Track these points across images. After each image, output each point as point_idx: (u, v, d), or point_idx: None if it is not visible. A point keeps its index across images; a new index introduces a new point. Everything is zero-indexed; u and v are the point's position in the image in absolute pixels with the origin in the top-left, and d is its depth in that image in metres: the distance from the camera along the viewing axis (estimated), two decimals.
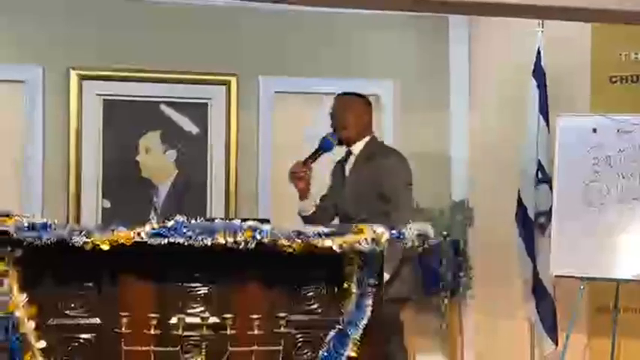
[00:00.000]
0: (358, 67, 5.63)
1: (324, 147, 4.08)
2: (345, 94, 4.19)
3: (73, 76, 5.26)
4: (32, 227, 2.75)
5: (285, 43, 5.53)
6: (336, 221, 4.07)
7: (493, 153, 5.46)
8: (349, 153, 4.10)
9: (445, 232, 5.26)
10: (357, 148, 4.07)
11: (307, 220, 4.04)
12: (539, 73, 5.06)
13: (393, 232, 2.94)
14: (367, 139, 4.08)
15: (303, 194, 4.07)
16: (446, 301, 5.29)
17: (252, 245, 2.82)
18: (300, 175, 4.03)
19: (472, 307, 5.54)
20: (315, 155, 4.07)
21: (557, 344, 4.94)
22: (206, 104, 5.47)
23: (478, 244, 5.45)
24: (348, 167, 4.10)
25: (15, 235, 2.73)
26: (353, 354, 2.97)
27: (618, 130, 4.65)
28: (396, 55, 5.68)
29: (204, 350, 2.92)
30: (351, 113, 4.07)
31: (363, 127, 4.08)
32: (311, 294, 3.02)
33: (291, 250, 2.86)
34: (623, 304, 4.75)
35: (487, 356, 5.49)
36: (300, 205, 4.10)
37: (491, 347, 5.43)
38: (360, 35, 5.63)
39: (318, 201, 4.12)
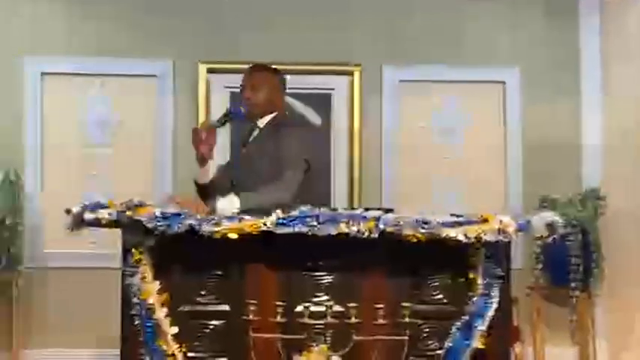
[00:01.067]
0: (483, 53, 5.53)
1: (234, 113, 3.82)
2: (260, 66, 3.95)
3: (202, 69, 5.41)
4: (164, 217, 2.84)
5: (410, 30, 5.49)
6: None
7: (628, 139, 5.25)
8: (254, 126, 3.87)
9: (575, 222, 5.10)
10: (263, 122, 3.83)
11: (201, 189, 3.80)
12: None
13: (521, 221, 2.87)
14: (274, 114, 3.85)
15: (204, 160, 3.76)
16: (577, 292, 5.12)
17: (375, 235, 2.82)
18: (202, 138, 3.70)
19: (604, 299, 5.36)
20: (223, 119, 3.79)
21: None
22: (329, 95, 5.50)
23: (610, 235, 5.26)
24: (250, 139, 3.87)
25: (148, 224, 2.83)
26: (479, 345, 2.93)
27: None
28: (522, 41, 5.55)
29: (328, 338, 2.94)
30: (265, 88, 3.84)
31: (272, 103, 3.85)
32: (436, 284, 3.00)
33: (415, 239, 2.84)
34: None
35: (621, 349, 5.30)
36: (199, 172, 3.80)
37: (625, 340, 5.24)
38: (485, 21, 5.53)
39: (214, 171, 3.87)
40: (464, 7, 5.47)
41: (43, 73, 5.37)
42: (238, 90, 3.92)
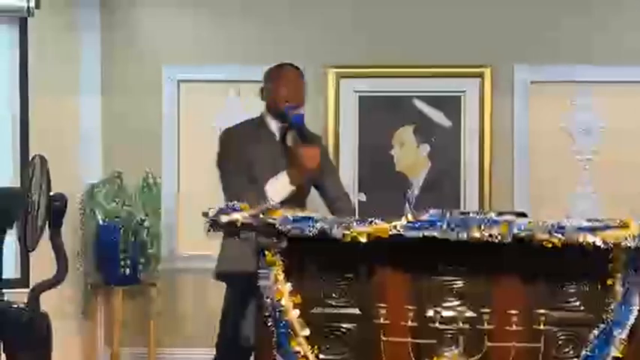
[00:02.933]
0: (623, 53, 5.33)
1: (294, 123, 3.67)
2: (292, 65, 3.80)
3: (331, 74, 5.46)
4: (295, 220, 2.88)
5: (542, 29, 5.37)
6: None
7: None
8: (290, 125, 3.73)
9: None
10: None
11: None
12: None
13: None
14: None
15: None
16: None
17: (508, 239, 2.77)
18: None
19: None
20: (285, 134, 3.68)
21: None
22: (459, 97, 5.45)
23: None
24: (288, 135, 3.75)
25: (280, 227, 2.88)
26: (618, 354, 2.82)
27: None
28: None
29: (461, 344, 2.91)
30: (302, 86, 3.74)
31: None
32: (572, 290, 2.91)
33: (550, 244, 2.77)
34: None
35: None
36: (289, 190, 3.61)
37: None
38: (620, 20, 5.34)
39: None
40: (596, 5, 5.31)
41: (179, 81, 5.56)
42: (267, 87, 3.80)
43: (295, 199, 3.53)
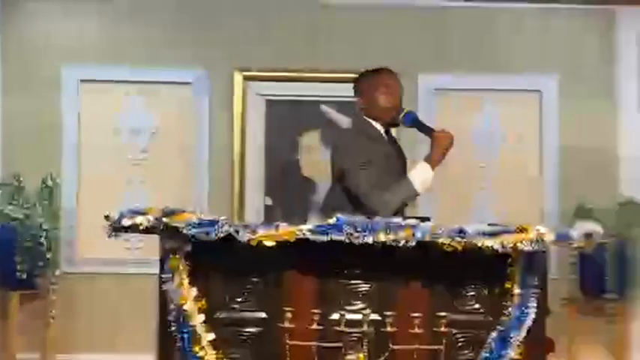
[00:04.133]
0: (519, 62, 5.50)
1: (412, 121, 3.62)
2: (386, 70, 3.73)
3: (237, 77, 5.44)
4: (200, 224, 2.85)
5: (445, 39, 5.49)
6: None
7: None
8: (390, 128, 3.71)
9: (613, 233, 5.06)
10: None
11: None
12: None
13: (560, 232, 2.85)
14: None
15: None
16: (613, 304, 5.08)
17: (412, 243, 2.81)
18: None
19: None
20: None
21: None
22: None
23: None
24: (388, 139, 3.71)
25: (185, 230, 2.85)
26: (515, 356, 2.91)
27: None
28: (559, 50, 5.52)
29: (365, 347, 2.94)
30: (401, 88, 3.69)
31: None
32: (472, 293, 2.98)
33: (451, 249, 2.82)
34: None
35: None
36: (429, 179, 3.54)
37: None
38: (523, 30, 5.52)
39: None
40: (502, 16, 5.46)
41: (81, 80, 5.44)
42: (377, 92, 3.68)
43: None
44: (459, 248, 2.81)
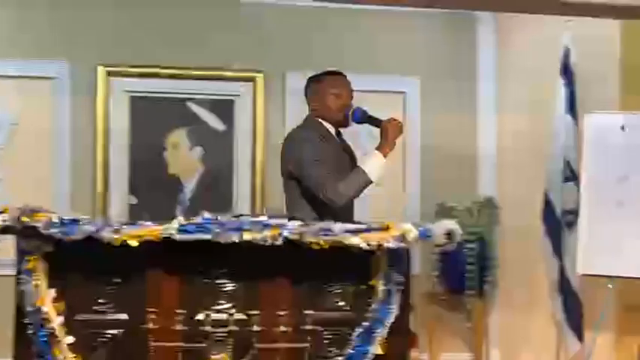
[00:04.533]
0: (385, 64, 5.62)
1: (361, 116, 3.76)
2: (331, 73, 3.87)
3: (101, 72, 5.30)
4: (61, 223, 2.77)
5: (313, 39, 5.53)
6: None
7: (521, 151, 5.42)
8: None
9: (472, 231, 5.24)
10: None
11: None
12: (567, 71, 5.01)
13: (421, 229, 2.92)
14: None
15: None
16: (472, 300, 5.26)
17: (279, 242, 2.82)
18: None
19: (498, 307, 5.51)
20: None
21: (582, 342, 4.90)
22: (232, 101, 5.49)
23: (505, 243, 5.43)
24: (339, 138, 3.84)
25: (44, 230, 2.75)
26: (379, 351, 2.96)
27: None
28: (422, 53, 5.68)
29: (230, 346, 2.92)
30: (350, 86, 3.81)
31: None
32: (338, 291, 3.02)
33: (317, 246, 2.85)
34: None
35: (513, 355, 5.46)
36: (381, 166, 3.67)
37: (517, 346, 5.40)
38: (387, 32, 5.62)
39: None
40: (367, 18, 5.54)
41: None
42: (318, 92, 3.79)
43: None
44: (325, 246, 2.85)
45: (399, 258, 2.99)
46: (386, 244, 2.88)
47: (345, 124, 3.78)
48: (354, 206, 3.74)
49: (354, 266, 2.98)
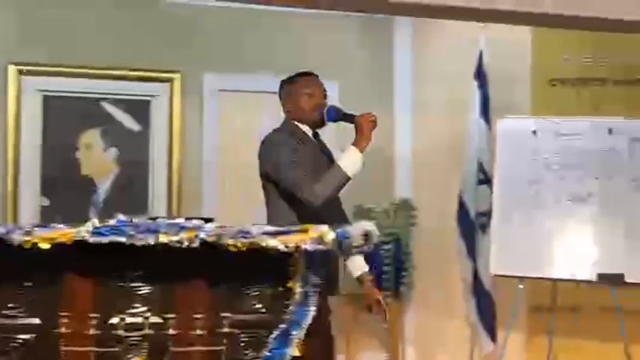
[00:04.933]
0: (303, 67, 5.61)
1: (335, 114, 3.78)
2: (303, 74, 3.91)
3: (12, 70, 5.16)
4: None
5: (232, 41, 5.50)
6: None
7: (437, 153, 5.51)
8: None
9: (389, 232, 5.30)
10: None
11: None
12: (481, 75, 5.13)
13: (339, 230, 2.94)
14: None
15: None
16: (388, 300, 5.31)
17: (195, 244, 2.79)
18: None
19: (414, 308, 5.59)
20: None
21: (495, 343, 5.01)
22: (148, 101, 5.41)
23: (421, 244, 5.50)
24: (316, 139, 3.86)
25: None
26: (297, 353, 2.96)
27: (557, 133, 4.73)
28: (340, 56, 5.70)
29: (145, 350, 2.88)
30: (322, 85, 3.86)
31: None
32: (256, 293, 3.00)
33: (235, 249, 2.83)
34: (559, 303, 4.84)
35: (428, 356, 5.54)
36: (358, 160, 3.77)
37: (433, 347, 5.49)
38: (306, 35, 5.63)
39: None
40: (285, 21, 5.54)
41: None
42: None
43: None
44: (243, 248, 2.83)
45: (317, 260, 2.99)
46: (304, 246, 2.88)
47: (322, 124, 3.78)
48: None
49: (271, 268, 2.97)
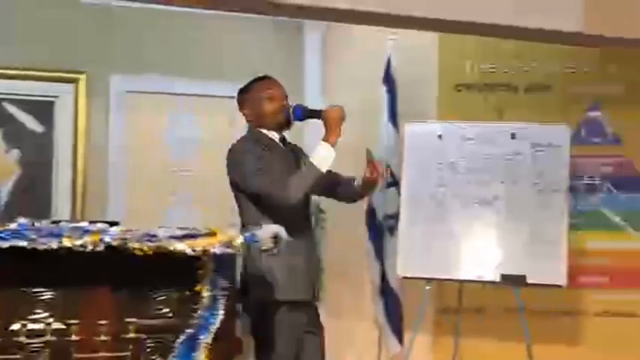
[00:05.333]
0: (214, 69, 5.58)
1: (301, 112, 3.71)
2: (259, 78, 3.83)
3: None
4: None
5: (140, 42, 5.42)
6: None
7: (346, 157, 5.53)
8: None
9: None
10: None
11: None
12: (389, 80, 5.19)
13: (247, 234, 2.93)
14: None
15: None
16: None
17: (100, 248, 2.73)
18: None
19: (323, 309, 5.60)
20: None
21: (402, 344, 5.07)
22: (52, 102, 5.28)
23: (331, 247, 5.53)
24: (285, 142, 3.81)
25: None
26: (204, 358, 2.94)
27: (463, 137, 4.83)
28: (251, 59, 5.68)
29: (47, 357, 2.80)
30: (281, 86, 3.80)
31: None
32: (163, 298, 2.97)
33: (141, 253, 2.79)
34: (465, 304, 4.94)
35: (336, 357, 5.56)
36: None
37: (342, 349, 5.51)
38: (217, 37, 5.60)
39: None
40: (196, 21, 5.49)
41: None
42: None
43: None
44: (149, 252, 2.79)
45: (225, 263, 2.98)
46: (212, 250, 2.86)
47: (288, 126, 3.71)
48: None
49: (179, 272, 2.94)
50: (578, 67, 5.31)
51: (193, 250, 2.84)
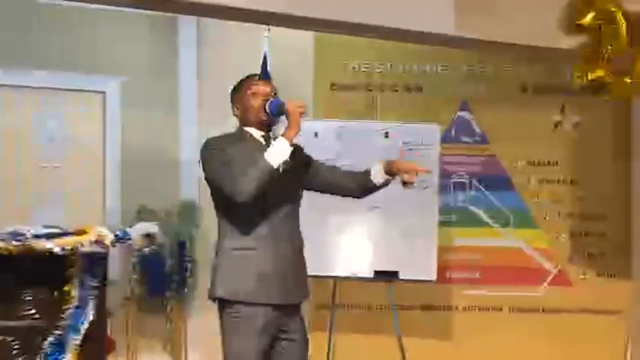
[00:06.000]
0: (84, 62, 5.44)
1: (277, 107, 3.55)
2: (248, 77, 3.72)
3: None
4: None
5: (8, 36, 5.20)
6: None
7: None
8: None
9: (173, 233, 5.25)
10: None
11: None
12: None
13: (118, 232, 2.88)
14: None
15: None
16: (171, 302, 5.27)
17: None
18: None
19: (198, 309, 5.56)
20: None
21: None
22: None
23: (207, 245, 5.49)
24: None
25: None
26: (74, 359, 2.87)
27: (339, 135, 4.90)
28: (124, 52, 5.57)
29: None
30: (269, 84, 3.68)
31: None
32: (29, 298, 2.88)
33: (7, 252, 2.70)
34: (340, 300, 5.02)
35: (214, 358, 5.54)
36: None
37: (217, 349, 5.48)
38: (88, 29, 5.45)
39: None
40: (69, 14, 5.33)
41: None
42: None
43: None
44: (15, 252, 2.70)
45: (95, 262, 2.92)
46: (81, 249, 2.80)
47: (270, 122, 3.55)
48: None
49: (47, 272, 2.86)
50: (450, 68, 5.48)
51: (62, 249, 2.77)
